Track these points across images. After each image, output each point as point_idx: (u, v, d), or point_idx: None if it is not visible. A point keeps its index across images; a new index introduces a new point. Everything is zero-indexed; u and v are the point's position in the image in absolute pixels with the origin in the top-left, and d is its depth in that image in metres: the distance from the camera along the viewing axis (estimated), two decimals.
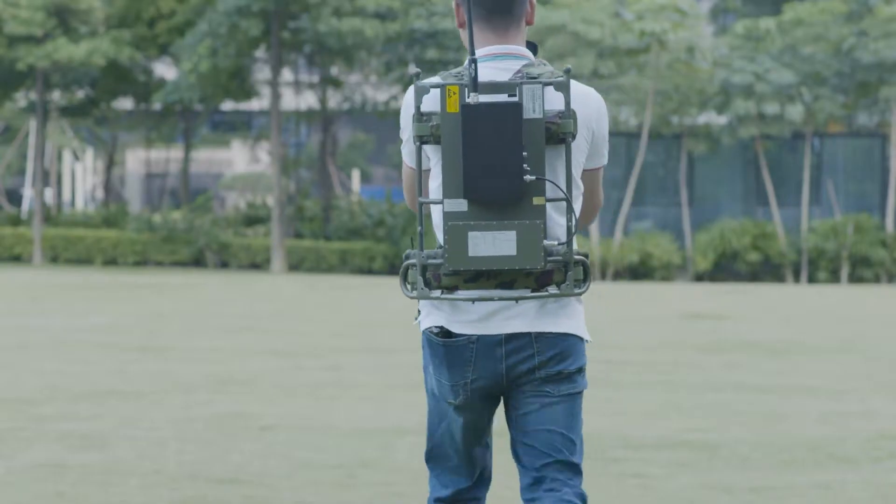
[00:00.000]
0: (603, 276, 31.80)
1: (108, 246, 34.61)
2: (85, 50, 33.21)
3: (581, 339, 3.87)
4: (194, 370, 12.55)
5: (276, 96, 34.12)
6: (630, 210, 33.00)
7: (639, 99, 32.23)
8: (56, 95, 37.65)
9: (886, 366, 13.72)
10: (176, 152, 44.36)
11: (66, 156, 50.20)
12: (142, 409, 10.05)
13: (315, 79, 37.45)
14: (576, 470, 3.91)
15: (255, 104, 41.41)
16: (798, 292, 27.74)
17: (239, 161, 55.38)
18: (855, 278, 31.83)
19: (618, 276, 31.93)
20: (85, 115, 39.35)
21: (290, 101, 39.10)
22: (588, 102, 3.84)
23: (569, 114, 3.70)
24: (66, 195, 50.84)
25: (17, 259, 35.29)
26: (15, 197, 50.00)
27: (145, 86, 37.57)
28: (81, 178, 53.00)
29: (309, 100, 39.59)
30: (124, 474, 7.58)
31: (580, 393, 3.90)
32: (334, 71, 37.16)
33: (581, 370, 3.88)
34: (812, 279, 32.04)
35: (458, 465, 3.96)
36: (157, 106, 37.65)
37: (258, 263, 33.88)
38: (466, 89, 3.68)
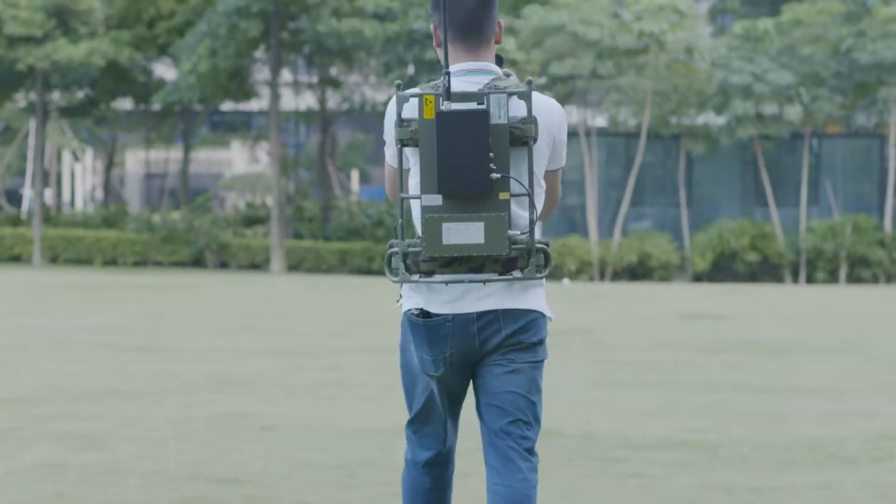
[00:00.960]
0: (602, 277, 31.82)
1: (108, 246, 34.62)
2: (84, 50, 33.22)
3: (542, 314, 4.40)
4: (194, 370, 12.56)
5: (275, 97, 34.14)
6: (629, 210, 33.02)
7: (637, 99, 32.26)
8: (56, 96, 37.65)
9: (886, 366, 13.74)
10: (175, 153, 44.36)
11: (66, 156, 50.19)
12: (142, 409, 10.06)
13: (314, 79, 37.46)
14: (534, 427, 4.43)
15: (254, 104, 41.41)
16: (796, 292, 27.77)
17: (238, 161, 55.33)
18: (853, 278, 31.85)
19: (616, 276, 31.95)
20: (84, 115, 39.35)
21: (290, 101, 39.10)
22: (551, 112, 4.37)
23: (531, 120, 4.23)
24: (66, 195, 50.83)
25: (17, 259, 35.31)
26: (15, 197, 49.99)
27: (145, 86, 37.58)
28: (81, 178, 52.99)
29: (308, 100, 39.59)
30: (124, 474, 7.59)
31: (541, 362, 4.42)
32: (333, 71, 37.16)
33: (542, 341, 4.40)
34: (810, 279, 32.07)
35: (435, 431, 4.49)
36: (156, 106, 37.65)
37: (258, 263, 33.90)
38: (441, 98, 4.20)
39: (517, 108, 4.24)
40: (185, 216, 35.17)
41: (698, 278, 32.15)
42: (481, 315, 4.31)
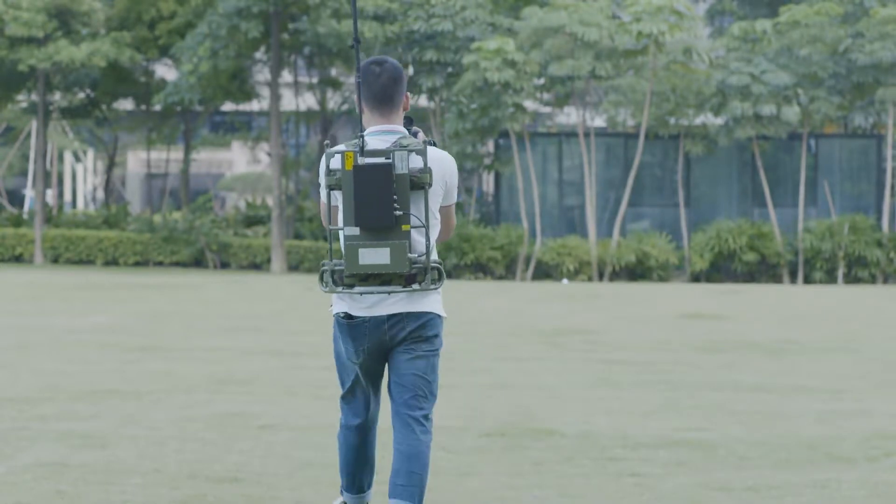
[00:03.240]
0: (600, 277, 31.85)
1: (109, 246, 34.66)
2: (86, 51, 33.25)
3: (438, 315, 5.77)
4: (194, 370, 12.60)
5: (275, 97, 34.17)
6: (627, 210, 33.05)
7: (636, 100, 32.29)
8: (57, 97, 37.69)
9: (883, 366, 13.77)
10: (176, 153, 44.39)
11: (68, 157, 50.20)
12: (142, 409, 10.09)
13: (314, 80, 37.49)
14: (429, 400, 5.83)
15: (254, 105, 41.43)
16: (794, 292, 27.80)
17: (239, 162, 55.36)
18: (851, 278, 31.88)
19: (615, 276, 31.98)
20: (86, 116, 39.39)
21: (290, 102, 39.12)
22: (443, 164, 5.73)
23: (426, 170, 5.54)
24: (67, 196, 50.86)
25: (18, 259, 35.34)
26: (16, 197, 50.03)
27: (146, 87, 37.62)
28: (82, 178, 53.01)
29: (308, 101, 39.61)
30: (124, 474, 7.62)
31: (437, 351, 5.81)
32: (333, 72, 37.19)
33: (437, 335, 5.79)
34: (808, 279, 32.10)
35: (361, 403, 6.05)
36: (157, 107, 37.69)
37: (258, 263, 33.94)
38: (357, 154, 5.47)
39: (416, 161, 5.53)
40: (185, 216, 35.21)
41: (697, 278, 32.18)
42: (390, 317, 5.68)
